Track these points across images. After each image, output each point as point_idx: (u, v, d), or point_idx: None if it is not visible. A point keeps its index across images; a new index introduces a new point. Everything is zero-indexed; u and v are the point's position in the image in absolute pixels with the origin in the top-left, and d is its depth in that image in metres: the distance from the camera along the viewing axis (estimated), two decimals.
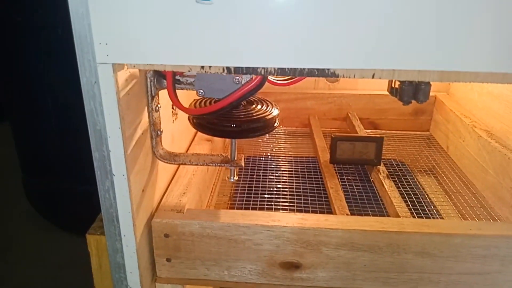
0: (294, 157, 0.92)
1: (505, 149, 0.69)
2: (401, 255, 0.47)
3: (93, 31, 0.35)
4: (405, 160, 0.90)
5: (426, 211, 0.69)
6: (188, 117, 0.47)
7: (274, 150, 0.95)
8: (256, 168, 0.87)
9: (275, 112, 0.47)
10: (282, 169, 0.87)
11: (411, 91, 0.38)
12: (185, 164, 0.49)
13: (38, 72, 1.23)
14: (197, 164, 0.49)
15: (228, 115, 0.45)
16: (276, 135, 1.02)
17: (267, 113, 0.46)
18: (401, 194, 0.72)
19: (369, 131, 1.01)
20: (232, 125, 0.44)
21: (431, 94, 0.99)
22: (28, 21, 1.19)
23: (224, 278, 0.49)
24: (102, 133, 0.38)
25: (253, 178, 0.83)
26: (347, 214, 0.60)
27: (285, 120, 1.04)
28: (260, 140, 0.99)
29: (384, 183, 0.68)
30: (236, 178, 0.52)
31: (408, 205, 0.69)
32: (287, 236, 0.46)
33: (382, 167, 0.73)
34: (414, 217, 0.65)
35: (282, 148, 0.96)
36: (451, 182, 0.80)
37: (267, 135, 1.01)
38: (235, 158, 0.49)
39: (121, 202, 0.41)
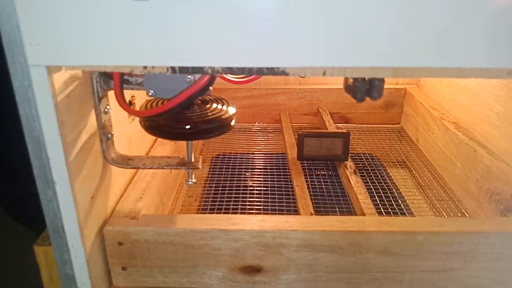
0: (265, 154, 0.91)
1: (472, 141, 0.69)
2: (363, 254, 0.46)
3: (22, 31, 0.32)
4: (375, 154, 0.89)
5: (393, 206, 0.68)
6: (139, 120, 0.44)
7: (245, 147, 0.94)
8: (225, 166, 0.86)
9: (232, 111, 0.45)
10: (252, 166, 0.85)
11: (364, 88, 0.37)
12: (139, 168, 0.47)
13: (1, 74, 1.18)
14: (151, 168, 0.47)
15: (181, 116, 0.43)
16: (248, 132, 1.00)
17: (222, 113, 0.44)
18: (369, 189, 0.72)
19: (340, 125, 1.00)
20: (186, 127, 0.42)
21: (401, 86, 1.00)
22: None
23: (184, 285, 0.47)
24: (40, 139, 0.36)
25: (222, 177, 0.81)
26: (311, 213, 0.58)
27: (256, 116, 1.02)
28: (231, 138, 0.98)
29: (350, 179, 0.67)
30: (194, 180, 0.50)
31: (375, 200, 0.68)
32: (246, 240, 0.45)
33: (349, 163, 0.72)
34: (381, 212, 0.65)
35: (253, 145, 0.95)
36: (420, 175, 0.80)
37: (241, 134, 0.99)
38: (192, 160, 0.47)
39: (65, 212, 0.39)
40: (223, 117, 0.44)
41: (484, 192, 0.63)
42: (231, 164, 0.86)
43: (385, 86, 1.04)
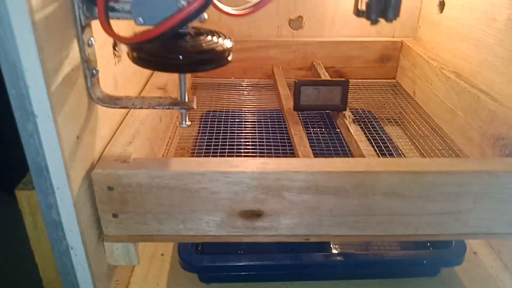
0: (258, 109, 0.87)
1: (474, 88, 0.67)
2: (369, 197, 0.43)
3: None
4: (372, 109, 0.86)
5: (394, 155, 0.66)
6: (127, 52, 0.40)
7: (236, 103, 0.90)
8: (216, 121, 0.82)
9: (228, 43, 0.41)
10: (245, 122, 0.82)
11: (380, 7, 0.33)
12: (127, 107, 0.43)
13: None
14: (141, 107, 0.43)
15: (173, 46, 0.39)
16: (239, 88, 0.97)
17: (218, 45, 0.40)
18: (368, 140, 0.69)
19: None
20: (179, 57, 0.38)
21: (398, 39, 0.97)
22: None
23: (180, 232, 0.44)
24: (16, 64, 0.32)
25: (214, 132, 0.78)
26: None
27: (247, 71, 0.98)
28: (221, 94, 0.94)
29: (350, 127, 0.64)
30: (188, 123, 0.46)
31: (375, 150, 0.66)
32: (246, 182, 0.42)
33: (348, 113, 0.69)
34: None
35: (245, 101, 0.91)
36: (418, 127, 0.77)
37: (232, 90, 0.95)
38: (186, 100, 0.44)
39: (49, 148, 0.35)
40: (219, 48, 0.40)
41: (487, 138, 0.61)
42: (222, 119, 0.83)
43: (381, 39, 1.01)
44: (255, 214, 0.44)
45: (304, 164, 0.43)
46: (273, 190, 0.42)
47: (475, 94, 0.65)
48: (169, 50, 0.38)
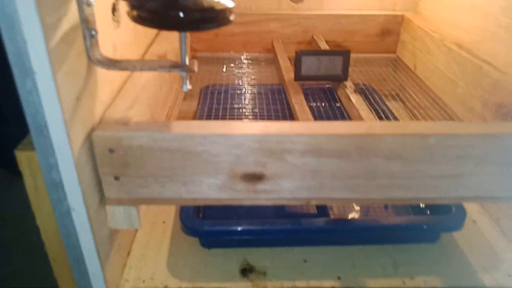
0: (257, 84, 0.86)
1: (477, 58, 0.66)
2: (370, 159, 0.43)
3: None
4: (372, 83, 0.86)
5: None
6: (127, 11, 0.39)
7: (236, 77, 0.90)
8: (216, 95, 0.81)
9: (230, 3, 0.40)
10: (245, 96, 0.81)
11: None
12: (127, 69, 0.42)
13: None
14: (142, 69, 0.42)
15: (174, 3, 0.38)
16: (238, 62, 0.96)
17: (220, 3, 0.40)
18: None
19: None
20: (180, 14, 0.37)
21: (399, 13, 0.95)
22: None
23: (181, 195, 0.44)
24: (13, 18, 0.31)
25: (214, 105, 0.78)
26: None
27: (247, 45, 0.97)
28: (222, 66, 0.93)
29: (351, 97, 0.64)
30: (189, 87, 0.45)
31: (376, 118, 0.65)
32: (248, 145, 0.42)
33: (349, 83, 0.69)
34: None
35: (245, 75, 0.90)
36: (419, 99, 0.77)
37: (231, 64, 0.94)
38: (186, 62, 0.43)
39: (49, 106, 0.35)
40: (220, 7, 0.39)
41: (489, 107, 0.60)
42: (222, 93, 0.82)
43: (382, 13, 1.00)
44: (256, 177, 0.43)
45: (306, 127, 0.43)
46: (275, 153, 0.42)
47: (477, 64, 0.65)
48: (170, 7, 0.37)
